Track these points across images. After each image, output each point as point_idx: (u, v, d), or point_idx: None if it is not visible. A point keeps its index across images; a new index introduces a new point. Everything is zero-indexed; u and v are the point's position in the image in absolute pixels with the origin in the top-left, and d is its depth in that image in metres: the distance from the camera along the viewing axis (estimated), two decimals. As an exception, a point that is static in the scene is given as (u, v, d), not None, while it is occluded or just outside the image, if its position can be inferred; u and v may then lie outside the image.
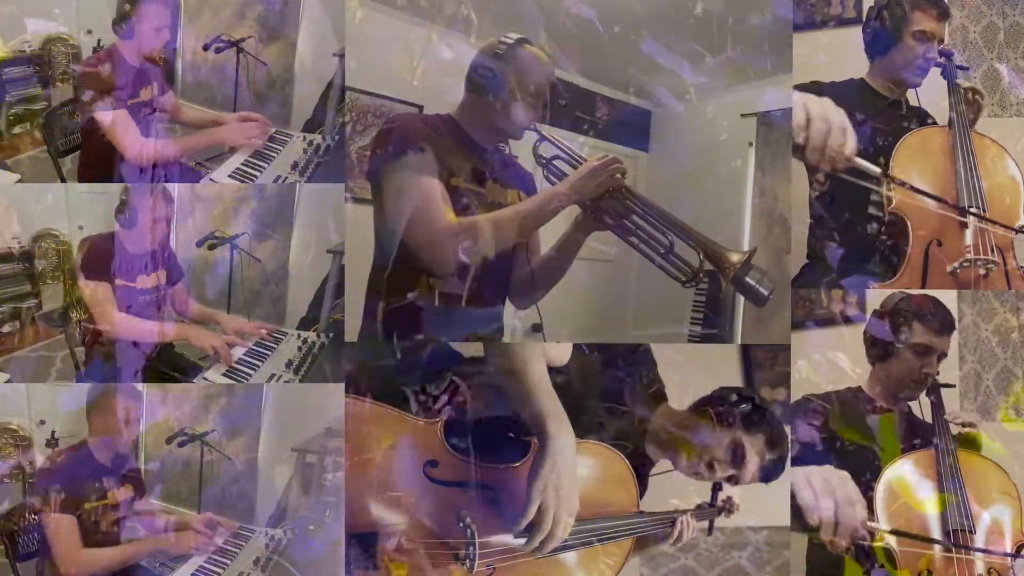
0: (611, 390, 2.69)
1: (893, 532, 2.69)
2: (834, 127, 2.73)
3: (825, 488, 2.68)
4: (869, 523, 2.67)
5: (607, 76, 2.95)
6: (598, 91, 2.98)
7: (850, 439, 2.77)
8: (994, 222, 2.75)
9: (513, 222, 2.58)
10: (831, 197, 2.81)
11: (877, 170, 2.74)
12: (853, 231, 2.82)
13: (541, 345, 2.61)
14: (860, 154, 2.77)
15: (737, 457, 2.63)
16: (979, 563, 2.70)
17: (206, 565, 2.74)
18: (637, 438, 2.68)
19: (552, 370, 2.53)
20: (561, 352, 2.64)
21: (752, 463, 2.63)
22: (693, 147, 3.05)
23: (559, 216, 2.63)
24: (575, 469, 2.45)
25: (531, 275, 2.68)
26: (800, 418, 2.75)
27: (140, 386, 2.76)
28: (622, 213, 2.60)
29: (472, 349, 2.65)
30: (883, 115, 2.83)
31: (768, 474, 2.68)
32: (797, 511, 2.70)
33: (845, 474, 2.71)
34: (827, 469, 2.72)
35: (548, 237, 2.73)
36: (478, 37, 2.71)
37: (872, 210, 2.81)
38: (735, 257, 2.54)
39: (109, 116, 2.76)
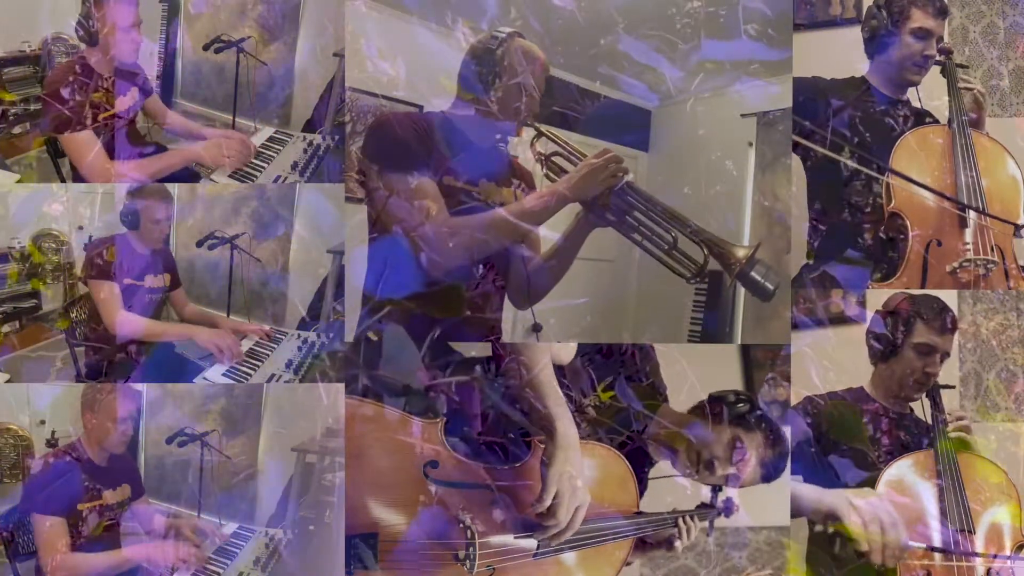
0: (610, 388, 2.70)
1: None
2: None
3: (872, 516, 2.68)
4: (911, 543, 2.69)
5: (601, 74, 2.95)
6: (592, 88, 2.98)
7: (845, 441, 2.77)
8: (994, 217, 2.74)
9: (509, 222, 2.54)
10: (824, 192, 2.83)
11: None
12: (841, 222, 2.83)
13: (549, 345, 2.60)
14: (852, 147, 2.78)
15: (735, 457, 2.63)
16: (978, 563, 2.69)
17: (207, 565, 2.74)
18: (639, 432, 2.67)
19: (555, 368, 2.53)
20: (566, 350, 2.64)
21: (751, 463, 2.63)
22: (692, 147, 3.05)
23: (560, 212, 2.61)
24: (582, 468, 2.45)
25: (527, 277, 2.66)
26: (798, 418, 2.75)
27: (140, 386, 2.77)
28: (624, 209, 2.57)
29: (473, 350, 2.65)
30: (881, 113, 2.84)
31: (769, 474, 2.68)
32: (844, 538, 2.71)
33: (888, 505, 2.72)
34: (866, 492, 2.73)
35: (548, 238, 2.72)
36: (472, 33, 2.70)
37: (856, 199, 2.81)
38: (740, 252, 2.50)
39: (71, 139, 2.67)
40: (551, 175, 2.63)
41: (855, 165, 2.77)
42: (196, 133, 2.86)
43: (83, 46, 2.71)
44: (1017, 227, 2.77)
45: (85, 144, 2.69)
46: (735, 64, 2.83)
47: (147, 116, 2.86)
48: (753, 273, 2.49)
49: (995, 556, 2.70)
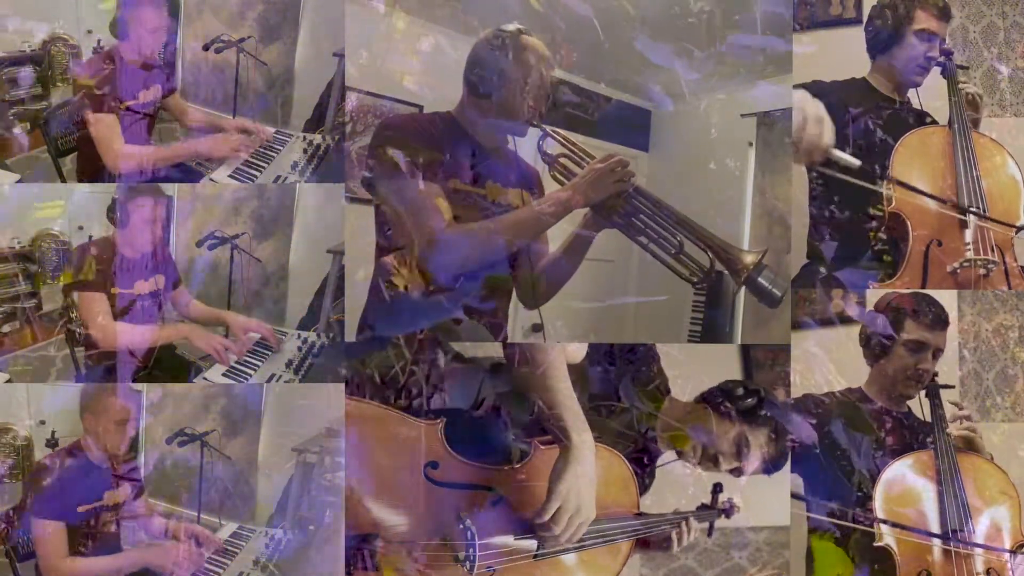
0: (615, 385, 2.70)
1: (888, 522, 2.70)
2: (809, 118, 2.71)
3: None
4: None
5: (604, 74, 2.94)
6: (595, 90, 2.98)
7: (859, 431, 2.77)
8: (994, 220, 2.75)
9: (515, 228, 2.54)
10: (828, 194, 2.82)
11: (856, 162, 2.72)
12: (850, 227, 2.82)
13: (564, 347, 2.59)
14: (856, 151, 2.77)
15: (741, 450, 2.63)
16: (978, 562, 2.70)
17: (207, 565, 2.74)
18: (642, 433, 2.67)
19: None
20: (576, 350, 2.64)
21: (756, 455, 2.63)
22: (693, 147, 3.05)
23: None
24: (594, 479, 2.45)
25: (534, 276, 2.65)
26: (798, 418, 2.75)
27: (140, 386, 2.76)
28: (631, 212, 2.56)
29: (480, 350, 2.65)
30: (882, 114, 2.84)
31: (772, 466, 2.68)
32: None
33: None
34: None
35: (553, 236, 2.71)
36: (472, 33, 2.68)
37: (870, 208, 2.81)
38: (749, 258, 2.50)
39: (96, 119, 2.76)
40: (558, 177, 2.62)
41: (859, 163, 2.77)
42: (218, 126, 2.87)
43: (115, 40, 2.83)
44: (1017, 229, 2.77)
45: (109, 125, 2.77)
46: (737, 65, 2.83)
47: (169, 113, 2.87)
48: (761, 279, 2.49)
49: (1010, 552, 2.71)
